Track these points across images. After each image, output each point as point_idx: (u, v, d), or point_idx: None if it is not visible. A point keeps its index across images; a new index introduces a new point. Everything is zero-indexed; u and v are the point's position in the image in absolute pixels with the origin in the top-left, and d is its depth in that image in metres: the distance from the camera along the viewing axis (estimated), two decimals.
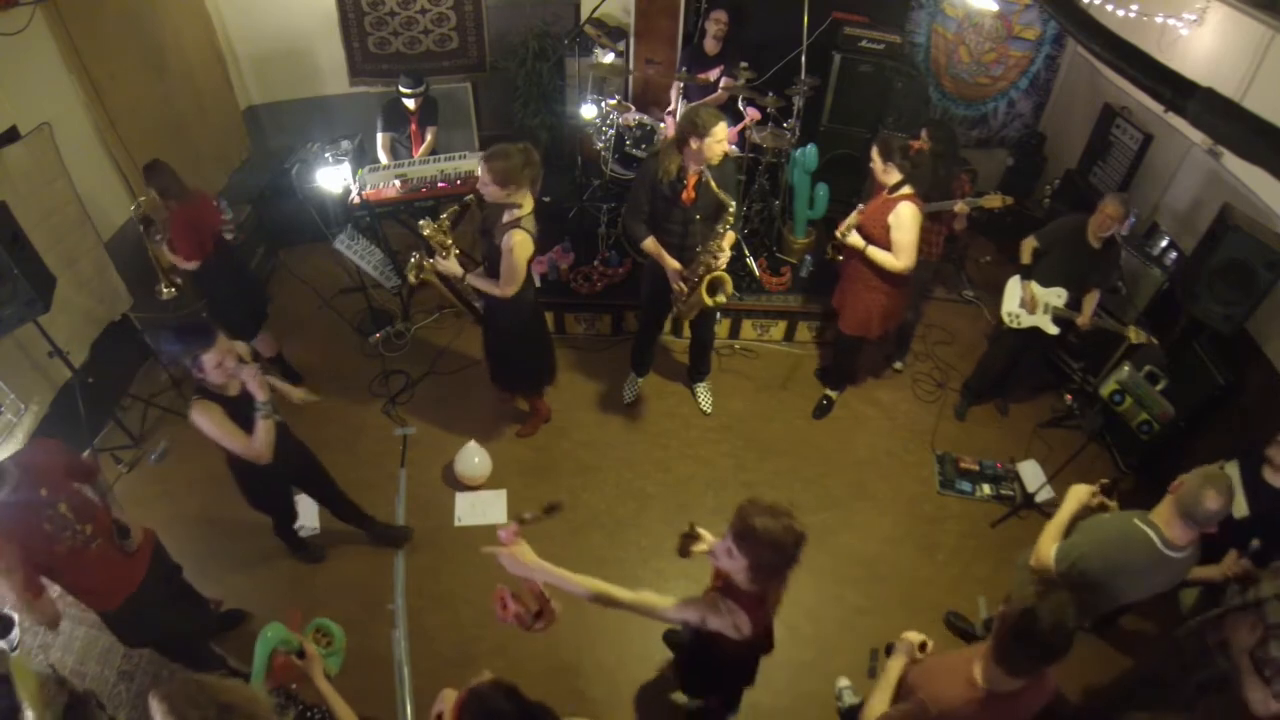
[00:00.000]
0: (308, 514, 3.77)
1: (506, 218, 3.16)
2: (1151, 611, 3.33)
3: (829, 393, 4.51)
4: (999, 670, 1.85)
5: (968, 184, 4.24)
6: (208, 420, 2.61)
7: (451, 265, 3.33)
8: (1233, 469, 2.81)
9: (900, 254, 3.61)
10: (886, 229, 3.62)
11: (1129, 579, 2.35)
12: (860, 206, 3.83)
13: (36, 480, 2.31)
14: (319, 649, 2.23)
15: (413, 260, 3.42)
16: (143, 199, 3.78)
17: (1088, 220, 3.64)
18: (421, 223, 3.33)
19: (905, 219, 3.57)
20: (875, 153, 3.68)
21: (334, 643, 2.27)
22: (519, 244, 3.12)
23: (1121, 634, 3.39)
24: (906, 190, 3.60)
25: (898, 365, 4.81)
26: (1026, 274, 3.90)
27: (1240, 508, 2.74)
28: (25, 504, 2.27)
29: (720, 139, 3.25)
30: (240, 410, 2.66)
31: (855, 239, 3.73)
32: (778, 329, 4.89)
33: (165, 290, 4.17)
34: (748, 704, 3.12)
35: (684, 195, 3.43)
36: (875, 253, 3.69)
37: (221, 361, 2.53)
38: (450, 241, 3.32)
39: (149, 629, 2.72)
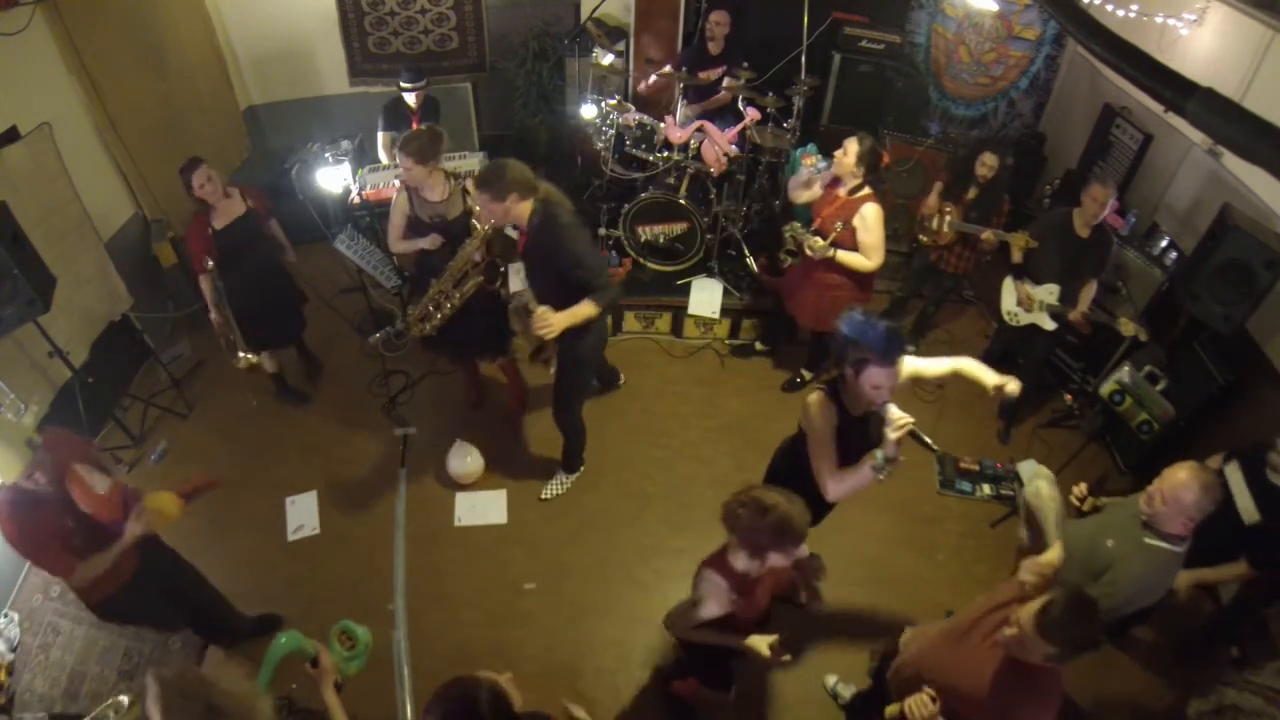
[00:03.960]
0: (308, 514, 3.78)
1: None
2: (1160, 621, 3.34)
3: (804, 372, 4.57)
4: (1043, 643, 1.86)
5: (1006, 209, 4.23)
6: (824, 420, 2.45)
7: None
8: (1234, 471, 2.79)
9: (871, 254, 3.61)
10: (852, 231, 3.60)
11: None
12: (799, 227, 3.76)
13: (61, 475, 2.37)
14: (343, 651, 2.23)
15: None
16: None
17: (1073, 212, 3.70)
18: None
19: (871, 220, 3.56)
20: (853, 147, 3.52)
21: (357, 645, 2.27)
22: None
23: (1133, 643, 3.38)
24: (867, 191, 3.60)
25: (910, 349, 4.86)
26: (1019, 273, 3.94)
27: (1250, 513, 2.70)
28: (53, 499, 2.35)
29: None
30: (846, 435, 2.50)
31: (821, 245, 3.61)
32: None
33: (244, 359, 3.70)
34: (749, 704, 3.12)
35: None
36: (846, 256, 3.64)
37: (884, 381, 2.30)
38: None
39: (127, 615, 2.82)
